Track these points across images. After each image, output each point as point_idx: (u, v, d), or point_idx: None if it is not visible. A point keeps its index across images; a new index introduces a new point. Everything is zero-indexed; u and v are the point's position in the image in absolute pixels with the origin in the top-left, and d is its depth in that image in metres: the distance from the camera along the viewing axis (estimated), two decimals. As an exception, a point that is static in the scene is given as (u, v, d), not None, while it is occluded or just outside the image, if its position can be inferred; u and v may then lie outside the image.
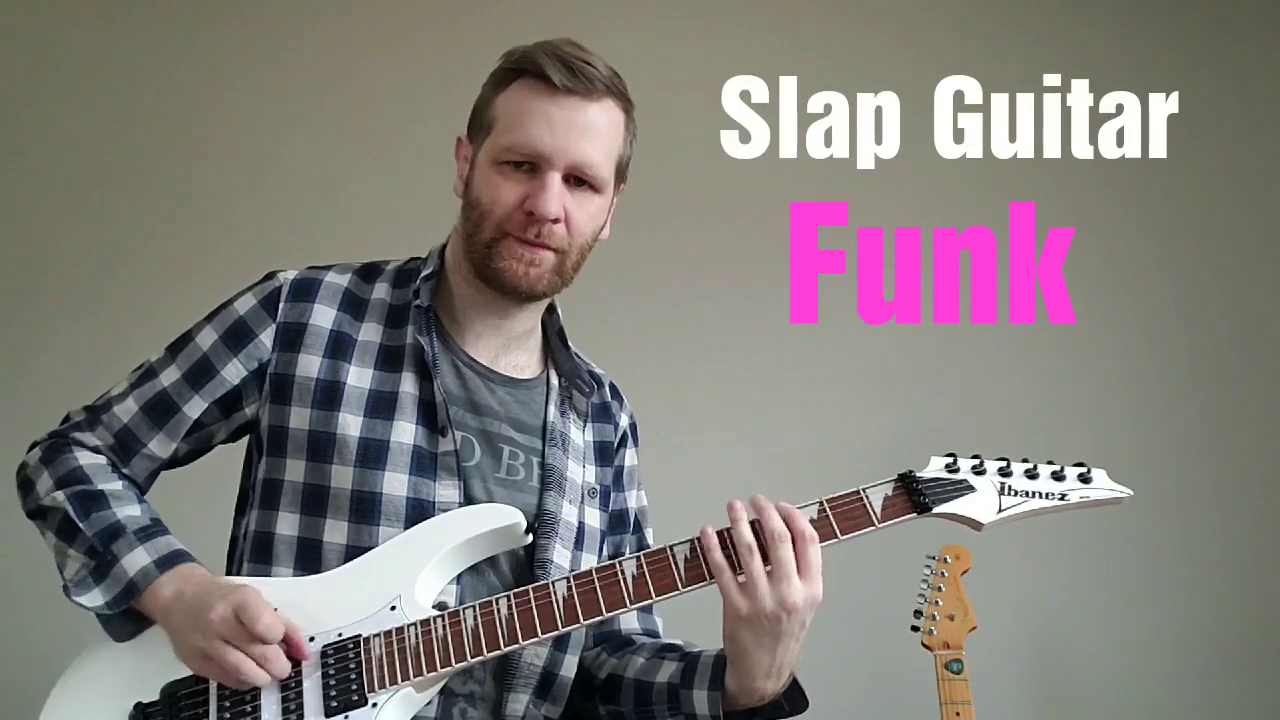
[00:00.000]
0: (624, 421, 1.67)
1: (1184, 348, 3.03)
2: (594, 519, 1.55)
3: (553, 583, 1.36)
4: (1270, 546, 2.92)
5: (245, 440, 1.54)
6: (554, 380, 1.57)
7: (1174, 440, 2.96)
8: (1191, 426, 2.99)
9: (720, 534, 1.34)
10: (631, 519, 1.65)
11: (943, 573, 2.24)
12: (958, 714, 2.12)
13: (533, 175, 1.41)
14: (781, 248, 3.00)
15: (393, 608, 1.35)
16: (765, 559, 1.31)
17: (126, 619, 1.38)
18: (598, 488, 1.57)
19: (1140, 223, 3.09)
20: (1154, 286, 3.06)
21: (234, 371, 1.46)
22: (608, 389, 1.67)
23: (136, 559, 1.37)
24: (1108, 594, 2.88)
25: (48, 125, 2.95)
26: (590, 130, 1.42)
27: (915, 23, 3.16)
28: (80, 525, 1.39)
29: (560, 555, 1.46)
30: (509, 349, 1.54)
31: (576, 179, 1.43)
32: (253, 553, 1.43)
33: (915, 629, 2.20)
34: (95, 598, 1.36)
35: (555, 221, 1.42)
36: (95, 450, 1.48)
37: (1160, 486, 2.88)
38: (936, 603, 2.21)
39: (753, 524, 1.33)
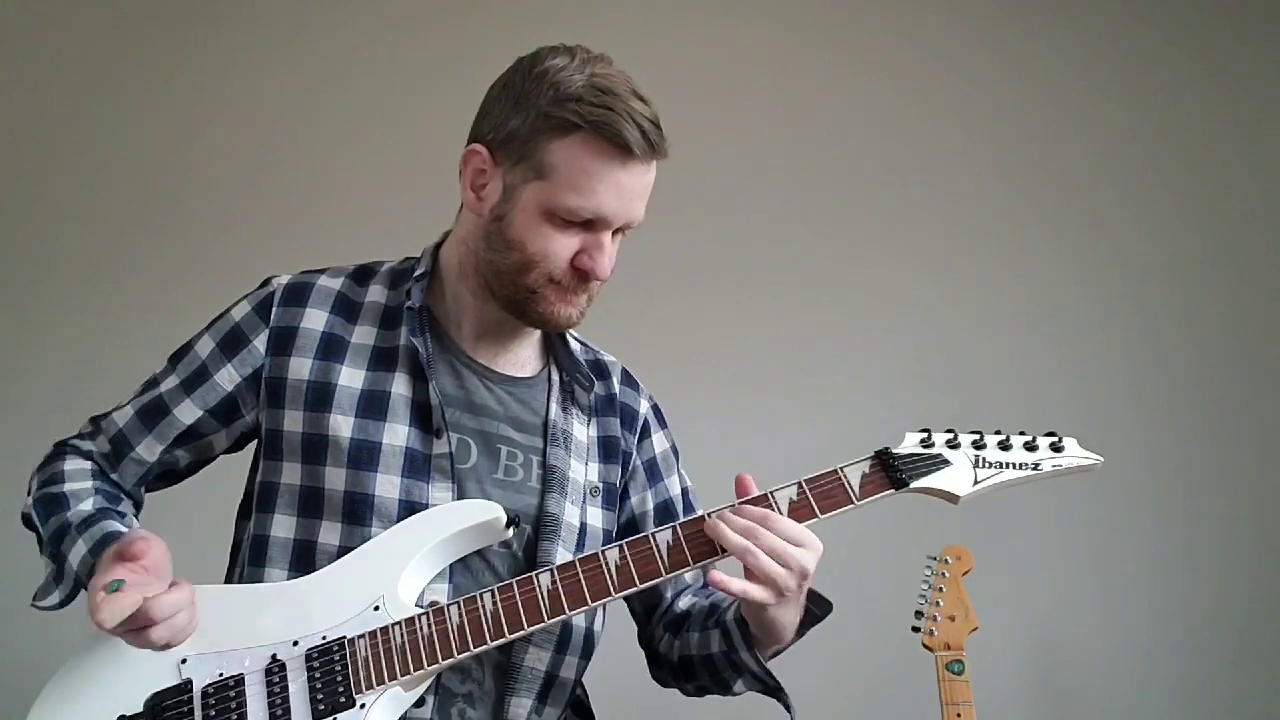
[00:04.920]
0: (643, 408, 1.65)
1: (1185, 347, 3.02)
2: (596, 519, 1.54)
3: (536, 575, 1.36)
4: (1272, 547, 2.90)
5: (250, 447, 1.55)
6: (555, 376, 1.56)
7: (1176, 440, 2.95)
8: (1194, 427, 2.97)
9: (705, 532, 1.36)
10: (681, 506, 1.64)
11: (944, 573, 2.23)
12: (959, 715, 2.10)
13: (586, 230, 1.40)
14: (781, 243, 3.02)
15: (376, 608, 1.35)
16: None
17: None
18: (600, 486, 1.55)
19: (1140, 217, 3.09)
20: (1154, 284, 3.06)
21: (228, 378, 1.47)
22: (617, 377, 1.65)
23: (77, 553, 1.36)
24: (1109, 595, 2.86)
25: (45, 125, 2.97)
26: (648, 191, 1.43)
27: (916, 18, 3.18)
28: (41, 530, 1.41)
29: (563, 558, 1.45)
30: (508, 346, 1.53)
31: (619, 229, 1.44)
32: (250, 556, 1.44)
33: (916, 630, 2.19)
34: (53, 599, 1.38)
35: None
36: (86, 456, 1.49)
37: (1162, 488, 2.87)
38: (937, 603, 2.20)
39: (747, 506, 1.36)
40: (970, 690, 2.12)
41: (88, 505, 1.43)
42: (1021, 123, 3.13)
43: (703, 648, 1.51)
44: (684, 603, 1.60)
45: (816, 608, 1.43)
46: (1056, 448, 1.40)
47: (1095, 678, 2.81)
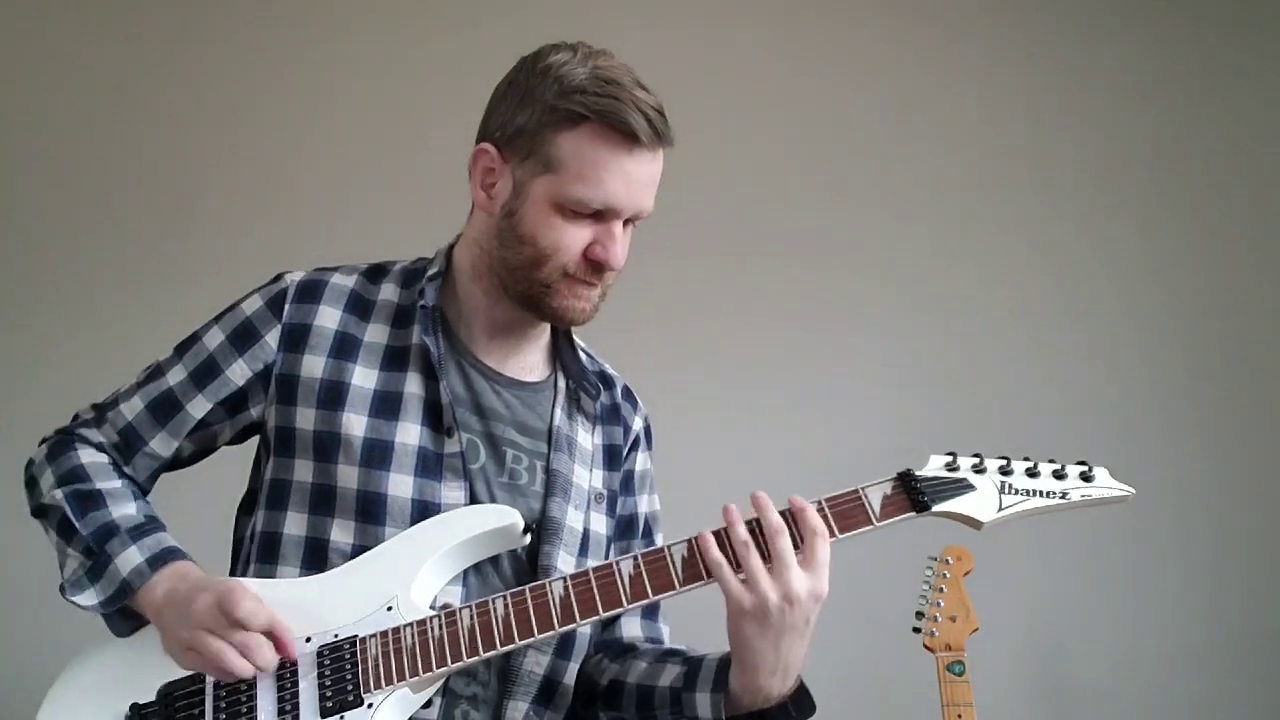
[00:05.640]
0: (636, 425, 1.65)
1: (1189, 348, 3.03)
2: (600, 524, 1.54)
3: (550, 583, 1.35)
4: (1275, 547, 2.91)
5: (251, 441, 1.54)
6: (561, 382, 1.56)
7: (1179, 440, 2.96)
8: (1196, 427, 2.99)
9: (716, 534, 1.33)
10: (641, 524, 1.63)
11: (945, 574, 2.23)
12: (959, 716, 2.11)
13: (596, 221, 1.40)
14: (785, 244, 3.01)
15: (389, 608, 1.35)
16: (764, 555, 1.29)
17: (125, 615, 1.38)
18: (605, 492, 1.55)
19: (1143, 222, 3.08)
20: (1161, 287, 3.06)
21: (239, 372, 1.46)
22: (619, 390, 1.65)
23: (129, 558, 1.37)
24: (1110, 596, 2.87)
25: (55, 130, 2.96)
26: (656, 180, 1.42)
27: (914, 22, 3.16)
28: (77, 525, 1.40)
29: (564, 562, 1.45)
30: (517, 350, 1.53)
31: (629, 219, 1.43)
32: (259, 553, 1.43)
33: (917, 630, 2.20)
34: (90, 597, 1.37)
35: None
36: (99, 448, 1.48)
37: (1164, 488, 2.87)
38: (938, 604, 2.20)
39: (751, 523, 1.32)
40: (971, 691, 2.13)
41: (132, 509, 1.43)
42: (1034, 129, 3.13)
43: (649, 678, 1.47)
44: (628, 630, 1.58)
45: (795, 709, 1.36)
46: (1086, 477, 1.37)
47: (1096, 679, 2.83)
